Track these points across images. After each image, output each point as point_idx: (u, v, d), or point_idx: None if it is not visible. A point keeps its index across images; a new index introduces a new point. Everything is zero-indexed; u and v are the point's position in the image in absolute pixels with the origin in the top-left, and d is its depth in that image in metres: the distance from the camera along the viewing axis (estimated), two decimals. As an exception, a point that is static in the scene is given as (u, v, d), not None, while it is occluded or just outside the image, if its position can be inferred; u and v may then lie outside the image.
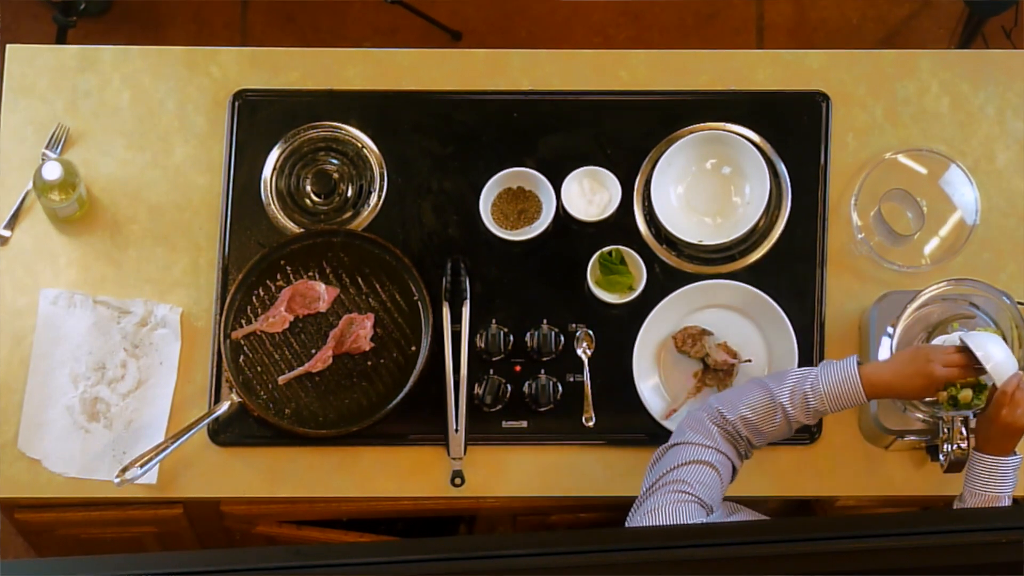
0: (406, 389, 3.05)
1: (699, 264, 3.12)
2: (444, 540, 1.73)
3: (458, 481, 3.03)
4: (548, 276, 3.13)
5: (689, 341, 3.06)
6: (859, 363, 2.71)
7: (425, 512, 3.21)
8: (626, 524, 2.66)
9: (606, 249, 3.09)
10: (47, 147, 3.17)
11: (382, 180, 3.17)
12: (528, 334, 3.08)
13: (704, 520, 2.60)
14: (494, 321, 3.09)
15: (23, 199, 3.14)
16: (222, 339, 3.06)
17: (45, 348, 3.08)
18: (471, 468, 3.04)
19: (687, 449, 2.68)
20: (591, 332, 3.09)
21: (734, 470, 2.72)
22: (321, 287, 3.09)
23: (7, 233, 3.14)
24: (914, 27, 4.27)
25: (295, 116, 3.19)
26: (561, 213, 3.12)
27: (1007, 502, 2.72)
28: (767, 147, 3.15)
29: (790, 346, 3.01)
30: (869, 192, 3.12)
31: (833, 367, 2.72)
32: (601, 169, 3.13)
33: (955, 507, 2.75)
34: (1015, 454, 2.71)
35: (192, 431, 2.98)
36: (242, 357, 3.07)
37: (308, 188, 3.16)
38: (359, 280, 3.11)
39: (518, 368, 3.08)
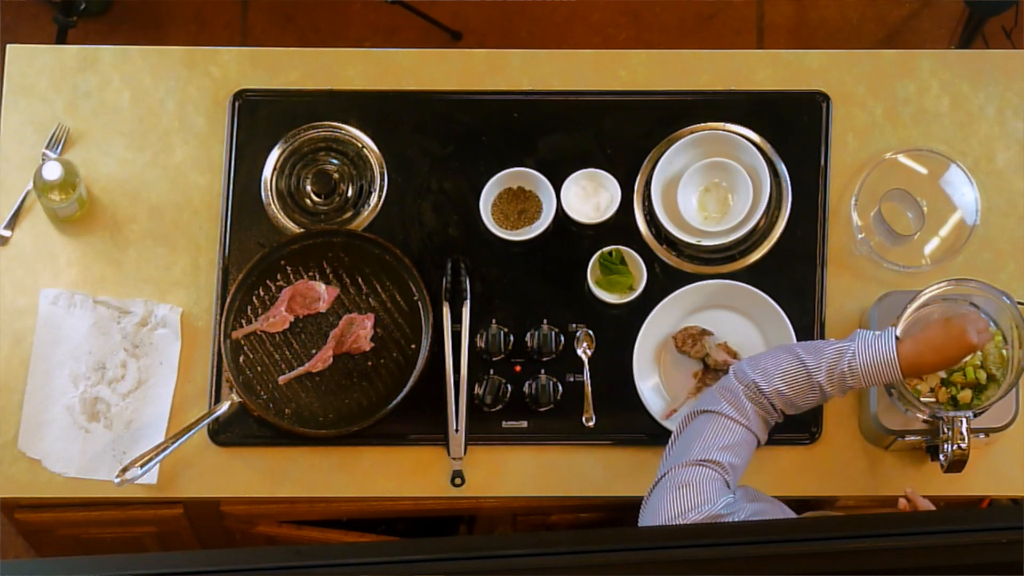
0: (406, 389, 3.05)
1: (699, 264, 3.12)
2: (444, 540, 1.73)
3: (458, 481, 3.03)
4: (548, 276, 3.13)
5: (689, 341, 3.06)
6: (897, 338, 2.71)
7: (425, 512, 3.21)
8: (648, 496, 2.65)
9: (606, 249, 3.09)
10: (47, 147, 3.17)
11: (382, 180, 3.17)
12: (528, 334, 3.08)
13: (729, 500, 2.61)
14: (494, 321, 3.09)
15: (23, 199, 3.14)
16: (222, 339, 3.06)
17: (45, 348, 3.08)
18: (471, 468, 3.04)
19: (719, 422, 2.68)
20: (591, 332, 3.08)
21: (757, 444, 2.74)
22: (321, 287, 3.09)
23: (7, 233, 3.14)
24: (914, 27, 4.27)
25: (295, 116, 3.19)
26: (561, 214, 3.12)
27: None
28: (767, 147, 3.15)
29: (790, 346, 3.01)
30: (869, 192, 3.12)
31: (871, 347, 2.71)
32: (600, 171, 3.13)
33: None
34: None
35: (192, 431, 2.98)
36: (242, 357, 3.07)
37: (308, 188, 3.16)
38: (359, 280, 3.11)
39: (518, 368, 3.08)
